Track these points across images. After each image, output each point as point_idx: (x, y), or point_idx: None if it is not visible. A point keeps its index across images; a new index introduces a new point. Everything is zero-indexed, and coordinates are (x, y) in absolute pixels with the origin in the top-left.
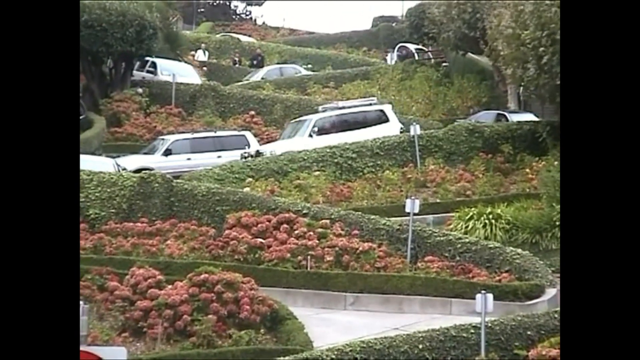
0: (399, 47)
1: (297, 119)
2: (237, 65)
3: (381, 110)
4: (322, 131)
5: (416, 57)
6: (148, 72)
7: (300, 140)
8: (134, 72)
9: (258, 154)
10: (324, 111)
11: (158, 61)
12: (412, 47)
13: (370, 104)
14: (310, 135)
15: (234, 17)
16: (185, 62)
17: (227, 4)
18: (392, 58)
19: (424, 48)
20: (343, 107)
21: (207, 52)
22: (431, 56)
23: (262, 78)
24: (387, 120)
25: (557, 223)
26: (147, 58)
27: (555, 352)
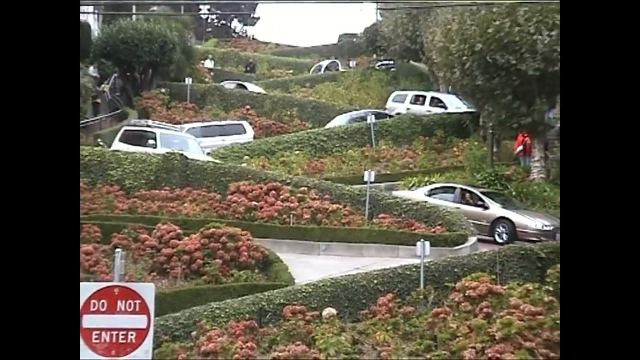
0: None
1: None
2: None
3: (241, 124)
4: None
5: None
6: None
7: None
8: None
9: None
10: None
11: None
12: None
13: (234, 119)
14: None
15: (233, 34)
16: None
17: (229, 24)
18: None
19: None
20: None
21: (213, 61)
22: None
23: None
24: (245, 131)
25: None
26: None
27: (475, 284)
